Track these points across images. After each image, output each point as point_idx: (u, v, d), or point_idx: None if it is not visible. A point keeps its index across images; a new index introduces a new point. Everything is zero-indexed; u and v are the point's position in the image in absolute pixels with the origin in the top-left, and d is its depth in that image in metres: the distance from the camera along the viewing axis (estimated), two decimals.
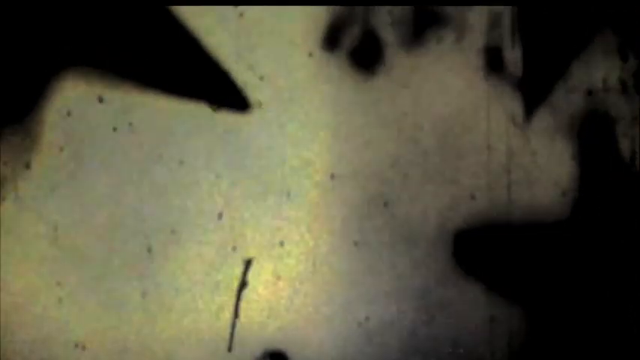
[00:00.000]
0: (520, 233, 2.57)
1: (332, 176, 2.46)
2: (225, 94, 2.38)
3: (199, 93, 2.36)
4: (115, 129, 2.34)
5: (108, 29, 2.30)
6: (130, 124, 2.34)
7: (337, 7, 2.42)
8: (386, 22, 2.47)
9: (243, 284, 2.39)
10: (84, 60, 2.29)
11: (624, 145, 2.67)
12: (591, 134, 2.63)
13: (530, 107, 2.58)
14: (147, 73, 2.33)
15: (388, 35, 2.48)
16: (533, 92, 2.58)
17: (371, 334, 2.48)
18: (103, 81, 2.31)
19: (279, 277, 2.41)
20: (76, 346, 2.33)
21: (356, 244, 2.48)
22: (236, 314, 2.39)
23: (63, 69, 2.29)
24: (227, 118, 2.38)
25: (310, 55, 2.43)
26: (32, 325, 2.31)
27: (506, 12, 2.55)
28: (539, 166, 2.60)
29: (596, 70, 2.65)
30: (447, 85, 2.53)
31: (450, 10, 2.51)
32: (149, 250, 2.35)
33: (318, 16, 2.43)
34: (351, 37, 2.45)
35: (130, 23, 2.30)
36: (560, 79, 2.61)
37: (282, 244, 2.42)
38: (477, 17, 2.53)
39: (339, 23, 2.44)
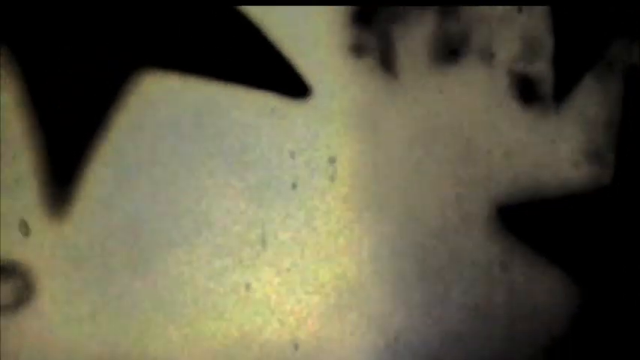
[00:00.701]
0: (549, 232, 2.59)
1: (353, 174, 2.47)
2: (287, 81, 2.40)
3: (264, 82, 2.38)
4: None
5: (177, 28, 2.33)
6: (136, 122, 2.35)
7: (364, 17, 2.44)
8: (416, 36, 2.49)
9: None
10: (157, 59, 2.32)
11: None
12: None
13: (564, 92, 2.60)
14: (214, 66, 2.35)
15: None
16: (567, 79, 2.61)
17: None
18: (174, 77, 2.33)
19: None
20: (75, 347, 2.34)
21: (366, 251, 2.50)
22: None
23: (140, 69, 2.31)
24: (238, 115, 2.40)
25: (336, 55, 2.45)
26: (32, 325, 2.31)
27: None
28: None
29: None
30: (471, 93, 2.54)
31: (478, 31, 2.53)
32: (155, 247, 2.36)
33: (344, 18, 2.45)
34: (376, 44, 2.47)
35: (196, 21, 2.33)
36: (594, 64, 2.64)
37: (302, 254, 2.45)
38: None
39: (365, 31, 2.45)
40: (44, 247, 2.29)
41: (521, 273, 2.60)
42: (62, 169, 2.26)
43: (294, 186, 2.43)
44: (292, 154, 2.42)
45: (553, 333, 2.62)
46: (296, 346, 2.43)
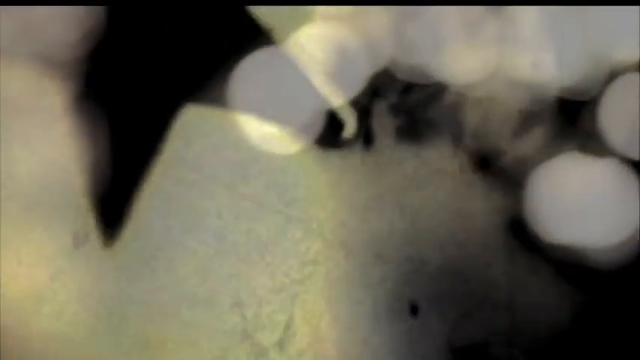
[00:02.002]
0: None
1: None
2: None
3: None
4: None
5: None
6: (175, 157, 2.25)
7: None
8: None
9: None
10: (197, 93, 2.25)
11: None
12: None
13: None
14: None
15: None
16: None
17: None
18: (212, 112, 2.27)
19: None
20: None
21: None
22: None
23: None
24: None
25: None
26: (31, 326, 2.19)
27: None
28: None
29: None
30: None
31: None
32: (154, 256, 2.32)
33: None
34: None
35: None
36: None
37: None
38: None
39: None
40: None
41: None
42: (113, 204, 2.19)
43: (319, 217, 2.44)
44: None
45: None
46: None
